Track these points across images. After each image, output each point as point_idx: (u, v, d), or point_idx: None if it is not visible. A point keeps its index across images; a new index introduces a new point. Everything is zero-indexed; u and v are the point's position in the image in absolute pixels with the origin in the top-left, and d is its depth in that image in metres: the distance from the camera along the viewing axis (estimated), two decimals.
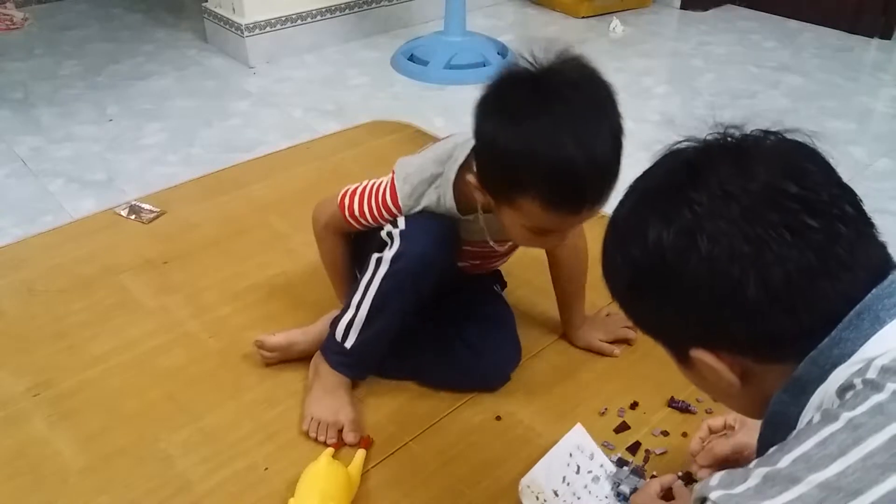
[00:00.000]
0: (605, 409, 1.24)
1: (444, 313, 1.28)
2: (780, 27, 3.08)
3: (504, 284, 1.43)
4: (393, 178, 1.14)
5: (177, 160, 2.04)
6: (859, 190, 0.60)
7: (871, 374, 0.52)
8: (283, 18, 2.67)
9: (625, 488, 1.08)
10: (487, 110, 0.97)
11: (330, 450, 1.12)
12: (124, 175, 1.95)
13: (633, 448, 1.17)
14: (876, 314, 0.55)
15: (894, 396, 0.50)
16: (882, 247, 0.59)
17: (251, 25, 2.60)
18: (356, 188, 1.18)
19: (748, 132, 0.63)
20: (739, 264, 0.56)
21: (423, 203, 1.12)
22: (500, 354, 1.28)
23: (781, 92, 2.49)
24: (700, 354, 0.62)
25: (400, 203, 1.12)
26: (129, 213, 1.75)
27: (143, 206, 1.78)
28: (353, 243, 1.26)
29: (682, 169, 0.62)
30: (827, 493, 0.47)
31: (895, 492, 0.46)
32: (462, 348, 1.26)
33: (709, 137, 0.63)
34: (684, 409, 1.23)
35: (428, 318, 1.25)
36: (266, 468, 1.13)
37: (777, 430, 0.60)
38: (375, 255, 1.14)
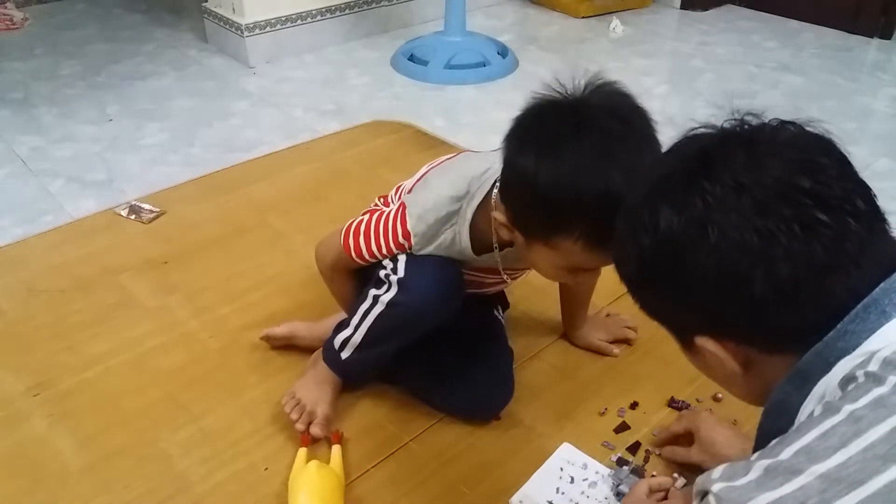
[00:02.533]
0: (605, 409, 1.24)
1: (440, 339, 1.19)
2: (780, 27, 3.08)
3: (507, 305, 1.39)
4: (403, 212, 1.08)
5: (177, 160, 2.04)
6: None
7: (874, 366, 0.52)
8: (283, 18, 2.67)
9: (624, 488, 1.08)
10: (523, 143, 0.90)
11: (303, 449, 1.13)
12: (124, 175, 1.95)
13: (633, 448, 1.17)
14: (882, 308, 0.55)
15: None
16: (893, 243, 0.59)
17: (251, 25, 2.60)
18: (359, 225, 1.13)
19: (765, 121, 0.62)
20: (748, 257, 0.56)
21: (437, 242, 1.07)
22: (490, 392, 1.21)
23: (781, 92, 2.49)
24: (704, 342, 0.63)
25: (413, 242, 1.07)
26: (129, 213, 1.75)
27: (143, 206, 1.78)
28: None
29: (697, 158, 0.61)
30: (828, 484, 0.48)
31: (895, 482, 0.46)
32: (454, 381, 1.20)
33: (726, 125, 0.63)
34: (684, 409, 1.23)
35: (422, 343, 1.18)
36: (266, 468, 1.13)
37: (778, 420, 0.60)
38: (372, 292, 1.10)
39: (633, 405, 1.24)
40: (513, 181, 0.94)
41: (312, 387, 1.20)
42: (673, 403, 1.24)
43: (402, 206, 1.10)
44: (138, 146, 2.11)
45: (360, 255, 1.12)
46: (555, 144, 0.87)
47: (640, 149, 0.85)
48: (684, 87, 2.54)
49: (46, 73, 2.57)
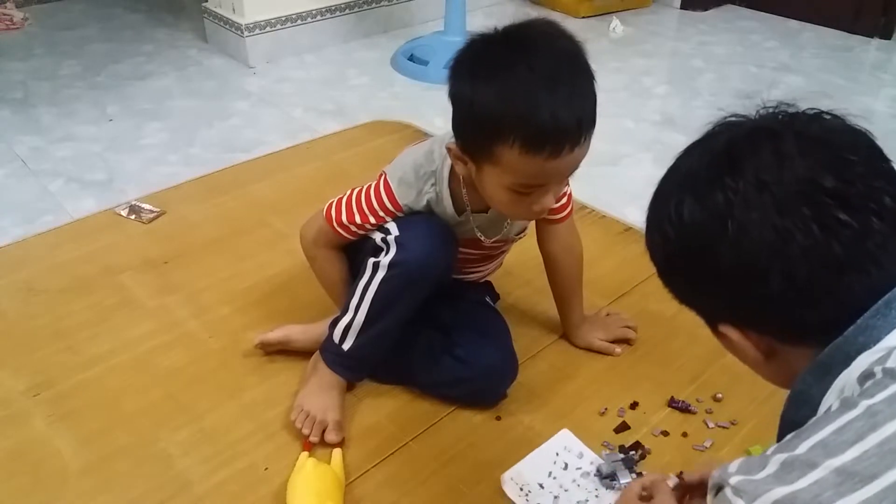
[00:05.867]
0: (605, 409, 1.24)
1: (437, 325, 1.25)
2: (780, 27, 3.08)
3: (497, 297, 1.40)
4: (385, 181, 1.14)
5: (177, 160, 2.04)
6: None
7: (892, 363, 0.53)
8: (283, 18, 2.67)
9: (605, 468, 1.09)
10: (461, 73, 0.98)
11: (305, 453, 1.12)
12: (124, 175, 1.95)
13: (633, 448, 1.17)
14: None
15: None
16: None
17: (251, 25, 2.60)
18: (340, 199, 1.18)
19: (799, 111, 0.62)
20: (765, 254, 0.57)
21: (425, 201, 1.12)
22: (493, 370, 1.23)
23: (781, 92, 2.48)
24: (727, 330, 0.65)
25: (401, 203, 1.12)
26: (129, 213, 1.75)
27: (143, 206, 1.78)
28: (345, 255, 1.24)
29: (723, 152, 0.62)
30: (843, 478, 0.48)
31: None
32: (455, 363, 1.21)
33: (759, 114, 0.64)
34: (684, 409, 1.23)
35: (419, 330, 1.23)
36: (266, 468, 1.13)
37: (799, 409, 0.61)
38: (371, 260, 1.12)
39: (633, 405, 1.24)
40: (456, 108, 0.99)
41: (318, 394, 1.19)
42: (673, 403, 1.24)
43: (382, 175, 1.15)
44: (138, 146, 2.11)
45: (340, 223, 1.16)
46: (490, 67, 0.95)
47: (569, 64, 0.96)
48: (684, 87, 2.54)
49: (46, 73, 2.57)
